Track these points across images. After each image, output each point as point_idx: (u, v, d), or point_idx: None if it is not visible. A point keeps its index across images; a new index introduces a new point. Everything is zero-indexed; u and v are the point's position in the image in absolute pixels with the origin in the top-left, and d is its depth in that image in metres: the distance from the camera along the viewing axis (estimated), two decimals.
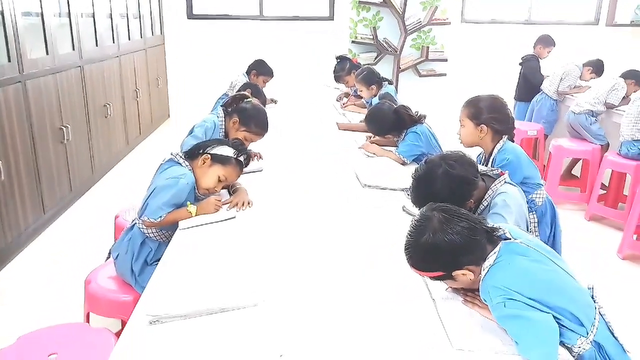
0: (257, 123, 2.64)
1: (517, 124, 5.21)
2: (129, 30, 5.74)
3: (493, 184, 1.86)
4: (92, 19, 4.73)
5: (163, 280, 1.57)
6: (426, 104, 6.71)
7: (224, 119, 2.66)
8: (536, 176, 2.26)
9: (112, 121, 5.13)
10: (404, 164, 2.82)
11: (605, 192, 4.44)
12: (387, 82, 3.88)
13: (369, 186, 2.42)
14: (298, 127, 3.71)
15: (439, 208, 1.42)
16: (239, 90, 3.79)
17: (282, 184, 2.48)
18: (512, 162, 2.19)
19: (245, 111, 2.64)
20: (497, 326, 1.34)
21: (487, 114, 2.27)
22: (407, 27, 6.92)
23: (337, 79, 4.68)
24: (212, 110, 3.40)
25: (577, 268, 1.36)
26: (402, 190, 2.33)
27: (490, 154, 2.29)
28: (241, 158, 2.16)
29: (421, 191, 1.83)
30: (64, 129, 3.98)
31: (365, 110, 4.04)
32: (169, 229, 2.04)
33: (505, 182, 1.86)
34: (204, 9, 7.09)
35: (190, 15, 7.06)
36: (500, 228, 1.42)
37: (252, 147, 2.73)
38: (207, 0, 7.09)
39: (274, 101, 4.44)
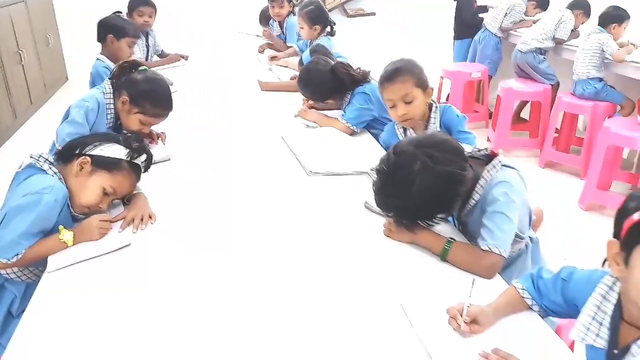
0: (154, 101, 1.95)
1: (459, 65, 4.81)
2: None
3: (485, 170, 1.37)
4: None
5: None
6: (356, 46, 6.14)
7: (112, 96, 1.98)
8: None
9: None
10: (352, 133, 2.28)
11: (557, 135, 4.14)
12: (327, 32, 3.19)
13: (318, 173, 1.87)
14: (213, 92, 3.02)
15: None
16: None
17: (199, 176, 1.87)
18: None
19: (136, 85, 1.94)
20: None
21: (424, 75, 1.94)
22: None
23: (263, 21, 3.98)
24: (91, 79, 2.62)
25: None
26: (370, 170, 1.80)
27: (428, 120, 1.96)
28: (138, 160, 1.54)
29: (392, 193, 1.32)
30: None
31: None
32: (40, 263, 1.43)
33: (502, 165, 1.38)
34: None
35: None
36: None
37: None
38: None
39: (183, 57, 3.71)
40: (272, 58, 3.64)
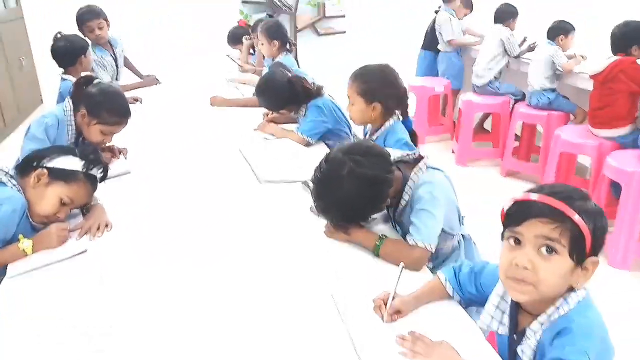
0: (111, 110, 2.05)
1: (423, 80, 4.95)
2: None
3: (413, 172, 1.49)
4: None
5: None
6: (327, 64, 6.32)
7: (72, 112, 2.07)
8: None
9: None
10: (308, 144, 2.39)
11: (518, 144, 4.31)
12: (286, 50, 3.32)
13: (270, 182, 1.98)
14: (180, 110, 3.10)
15: None
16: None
17: (157, 188, 1.96)
18: (406, 145, 1.94)
19: (92, 98, 2.05)
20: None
21: (380, 90, 1.98)
22: None
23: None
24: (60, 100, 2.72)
25: (494, 229, 1.15)
26: (303, 182, 1.91)
27: (377, 129, 2.05)
28: (94, 171, 1.64)
29: (325, 198, 1.44)
30: None
31: None
32: (1, 272, 1.50)
33: (427, 167, 1.50)
34: None
35: None
36: None
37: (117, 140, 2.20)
38: None
39: (157, 82, 3.76)
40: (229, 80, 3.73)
